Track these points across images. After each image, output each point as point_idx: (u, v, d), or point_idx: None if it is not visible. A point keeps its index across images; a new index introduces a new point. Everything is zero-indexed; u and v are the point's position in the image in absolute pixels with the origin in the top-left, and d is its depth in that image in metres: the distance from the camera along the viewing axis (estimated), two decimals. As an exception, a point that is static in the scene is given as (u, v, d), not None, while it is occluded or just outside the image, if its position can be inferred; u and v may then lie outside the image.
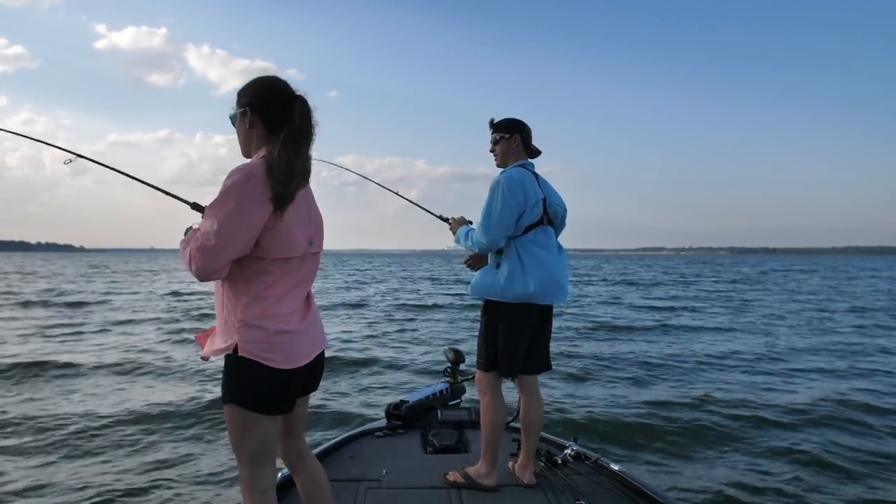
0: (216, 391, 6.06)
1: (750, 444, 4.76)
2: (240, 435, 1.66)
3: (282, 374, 1.64)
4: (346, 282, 31.99)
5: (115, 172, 2.09)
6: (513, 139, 2.72)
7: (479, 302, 2.74)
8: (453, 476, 2.73)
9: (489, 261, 2.71)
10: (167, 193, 2.01)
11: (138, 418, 5.48)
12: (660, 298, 20.77)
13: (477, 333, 2.78)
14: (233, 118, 1.78)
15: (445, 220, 3.00)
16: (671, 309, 16.75)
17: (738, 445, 4.72)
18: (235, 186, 1.57)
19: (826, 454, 4.50)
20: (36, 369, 7.65)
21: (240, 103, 1.74)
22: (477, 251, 2.70)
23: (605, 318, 14.28)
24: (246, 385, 1.62)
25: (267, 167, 1.63)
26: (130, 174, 2.07)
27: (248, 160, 1.73)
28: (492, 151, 2.78)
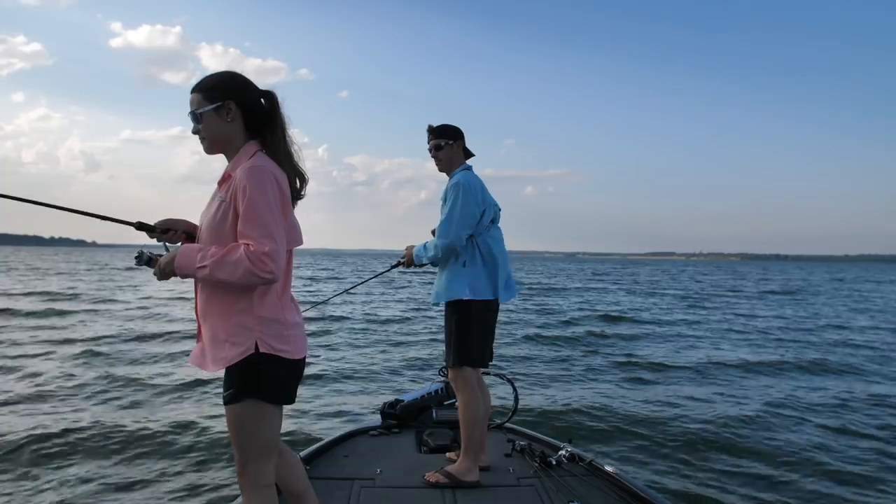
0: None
1: (748, 447, 4.71)
2: (254, 430, 1.67)
3: (295, 364, 1.70)
4: (351, 281, 32.04)
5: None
6: (456, 145, 2.82)
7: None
8: (434, 476, 2.68)
9: (449, 260, 2.70)
10: (104, 218, 1.80)
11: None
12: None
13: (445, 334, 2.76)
14: (199, 115, 1.68)
15: (399, 262, 2.95)
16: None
17: (734, 448, 4.67)
18: (269, 184, 1.59)
19: (830, 460, 4.44)
20: None
21: (213, 97, 1.67)
22: (440, 255, 2.69)
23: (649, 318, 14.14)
24: (266, 379, 1.64)
25: (276, 160, 1.68)
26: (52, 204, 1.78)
27: (226, 155, 1.74)
28: (434, 157, 2.84)
